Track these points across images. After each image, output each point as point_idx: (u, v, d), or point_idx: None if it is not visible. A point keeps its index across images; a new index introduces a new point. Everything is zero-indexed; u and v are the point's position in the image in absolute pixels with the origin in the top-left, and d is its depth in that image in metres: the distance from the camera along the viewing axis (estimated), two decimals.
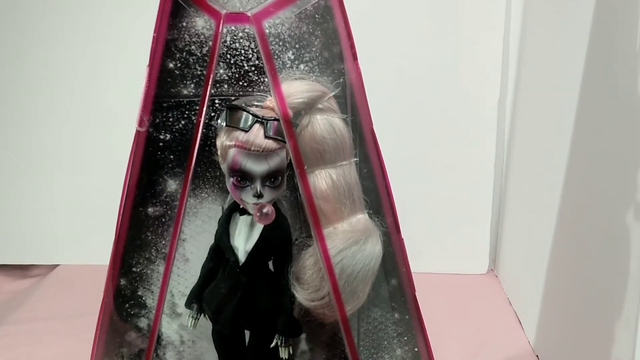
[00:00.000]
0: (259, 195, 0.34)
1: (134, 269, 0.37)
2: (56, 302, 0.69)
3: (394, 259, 0.37)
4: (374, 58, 0.73)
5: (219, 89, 0.35)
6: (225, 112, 0.34)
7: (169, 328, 0.38)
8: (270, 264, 0.37)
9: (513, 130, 0.75)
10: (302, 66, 0.35)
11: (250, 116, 0.34)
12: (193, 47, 0.35)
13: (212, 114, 0.35)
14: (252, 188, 0.34)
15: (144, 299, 0.38)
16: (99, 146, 0.73)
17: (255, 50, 0.35)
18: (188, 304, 0.37)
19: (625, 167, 0.42)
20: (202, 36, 0.35)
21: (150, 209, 0.36)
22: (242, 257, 0.35)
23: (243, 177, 0.34)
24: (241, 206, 0.36)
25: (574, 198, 0.52)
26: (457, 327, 0.66)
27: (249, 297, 0.36)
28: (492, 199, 0.77)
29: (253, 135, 0.33)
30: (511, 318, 0.68)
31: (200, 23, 0.35)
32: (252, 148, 0.33)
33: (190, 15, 0.35)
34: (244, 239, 0.36)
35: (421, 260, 0.77)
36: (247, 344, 0.38)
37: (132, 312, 0.38)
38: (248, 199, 0.34)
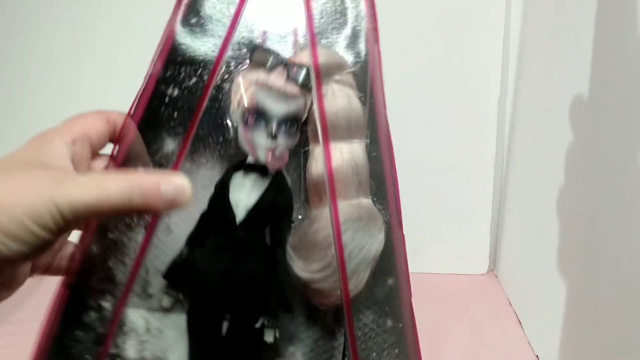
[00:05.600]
0: (274, 136, 0.32)
1: (109, 235, 0.33)
2: None
3: (392, 256, 0.35)
4: None
5: (237, 52, 0.34)
6: (250, 51, 0.33)
7: (135, 312, 0.34)
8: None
9: (513, 130, 0.75)
10: (324, 40, 0.34)
11: (276, 57, 0.32)
12: (215, 10, 0.33)
13: (226, 76, 0.33)
14: (266, 128, 0.32)
15: (114, 271, 0.33)
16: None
17: (277, 21, 0.35)
18: (167, 275, 0.33)
19: (626, 167, 0.41)
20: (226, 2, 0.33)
21: (140, 170, 0.32)
22: (241, 213, 0.33)
23: (259, 117, 0.32)
24: (247, 160, 0.33)
25: (574, 198, 0.52)
26: (457, 328, 0.66)
27: (242, 260, 0.33)
28: (492, 199, 0.78)
29: (275, 75, 0.32)
30: (511, 318, 0.68)
31: None
32: (273, 88, 0.32)
33: None
34: (245, 195, 0.33)
35: (420, 260, 0.78)
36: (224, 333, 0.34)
37: (97, 288, 0.33)
38: (261, 139, 0.32)
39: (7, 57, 0.78)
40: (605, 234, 0.44)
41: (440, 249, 0.78)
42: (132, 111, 0.33)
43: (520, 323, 0.66)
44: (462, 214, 0.77)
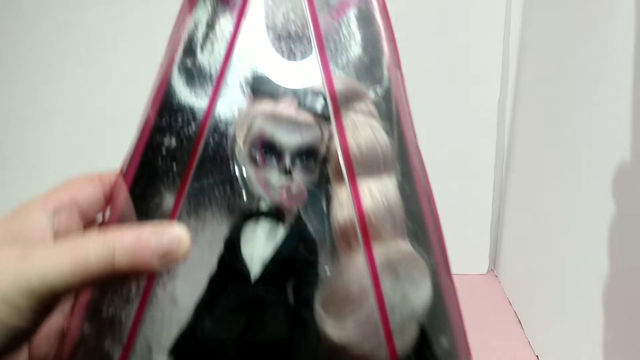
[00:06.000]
0: (288, 173, 0.28)
1: (103, 311, 0.28)
2: None
3: (444, 309, 0.31)
4: None
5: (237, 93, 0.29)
6: (252, 81, 0.29)
7: None
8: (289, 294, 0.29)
9: (513, 131, 0.75)
10: (337, 71, 0.29)
11: (282, 84, 0.28)
12: (212, 45, 0.30)
13: (228, 117, 0.29)
14: (279, 164, 0.28)
15: (112, 355, 0.28)
16: (100, 146, 0.72)
17: (284, 49, 0.30)
18: (174, 350, 0.28)
19: (626, 167, 0.41)
20: (225, 33, 0.30)
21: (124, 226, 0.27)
22: (256, 268, 0.28)
23: (269, 152, 0.28)
24: (259, 207, 0.29)
25: (574, 198, 0.52)
26: None
27: (260, 322, 0.28)
28: (492, 199, 0.77)
29: (284, 104, 0.28)
30: (511, 318, 0.67)
31: (223, 20, 0.30)
32: (283, 117, 0.28)
33: (214, 13, 0.30)
34: (260, 247, 0.28)
35: None
36: None
37: None
38: (274, 177, 0.28)
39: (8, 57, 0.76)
40: (606, 234, 0.44)
41: None
42: (125, 166, 0.28)
43: (520, 323, 0.66)
44: (462, 214, 0.77)
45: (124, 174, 0.28)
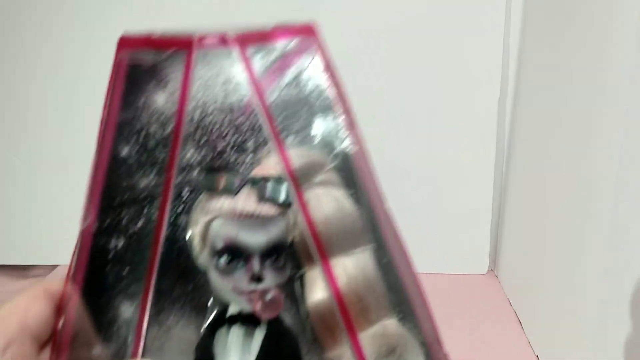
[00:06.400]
0: (258, 278, 0.25)
1: None
2: None
3: None
4: (373, 57, 0.70)
5: (187, 176, 0.26)
6: (204, 177, 0.26)
7: None
8: None
9: (513, 130, 0.75)
10: (290, 138, 0.26)
11: (237, 177, 0.26)
12: (153, 127, 0.27)
13: (180, 208, 0.26)
14: (247, 270, 0.25)
15: None
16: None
17: (232, 125, 0.28)
18: None
19: (626, 167, 0.42)
20: (164, 114, 0.27)
21: (95, 351, 0.26)
22: None
23: (234, 256, 0.25)
24: (229, 314, 0.27)
25: (574, 198, 0.52)
26: (457, 328, 0.67)
27: None
28: (492, 199, 0.77)
29: (243, 198, 0.25)
30: (511, 318, 0.68)
31: (162, 99, 0.27)
32: (244, 214, 0.25)
33: (149, 91, 0.27)
34: (236, 357, 0.26)
35: (420, 260, 0.76)
36: None
37: None
38: (242, 285, 0.25)
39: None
40: (606, 233, 0.44)
41: (440, 249, 0.78)
42: (72, 271, 0.26)
43: (520, 323, 0.66)
44: (462, 214, 0.77)
45: (72, 279, 0.26)
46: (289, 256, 0.27)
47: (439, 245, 0.78)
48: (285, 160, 0.26)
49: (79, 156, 0.75)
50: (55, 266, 0.80)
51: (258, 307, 0.25)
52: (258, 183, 0.26)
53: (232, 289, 0.25)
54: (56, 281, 0.27)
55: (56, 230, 0.77)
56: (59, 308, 0.26)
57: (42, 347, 0.26)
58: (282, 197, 0.26)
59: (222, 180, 0.26)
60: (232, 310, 0.26)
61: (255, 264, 0.25)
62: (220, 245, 0.25)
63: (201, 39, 0.25)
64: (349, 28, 0.71)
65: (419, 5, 0.72)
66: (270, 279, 0.26)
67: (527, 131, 0.70)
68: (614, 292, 0.43)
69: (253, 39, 0.26)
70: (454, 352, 0.63)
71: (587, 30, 0.50)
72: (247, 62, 0.26)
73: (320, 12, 0.73)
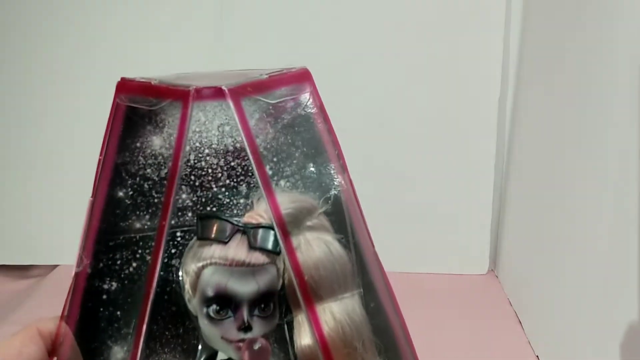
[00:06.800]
0: (247, 328, 0.25)
1: None
2: (56, 302, 0.72)
3: None
4: (373, 57, 0.69)
5: (182, 219, 0.27)
6: (196, 223, 0.26)
7: None
8: None
9: (513, 130, 0.75)
10: (282, 182, 0.27)
11: (229, 224, 0.26)
12: (149, 170, 0.28)
13: (173, 250, 0.27)
14: (236, 319, 0.25)
15: None
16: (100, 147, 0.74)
17: (225, 169, 0.28)
18: None
19: (626, 167, 0.41)
20: (160, 157, 0.27)
21: None
22: None
23: (224, 305, 0.25)
24: (217, 358, 0.27)
25: (575, 198, 0.52)
26: (457, 328, 0.68)
27: None
28: (493, 199, 0.78)
29: (234, 247, 0.26)
30: (511, 319, 0.68)
31: (158, 142, 0.27)
32: (235, 263, 0.25)
33: (146, 134, 0.28)
34: None
35: (421, 260, 0.78)
36: None
37: None
38: (231, 334, 0.26)
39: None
40: (606, 234, 0.44)
41: (441, 249, 0.78)
42: (66, 311, 0.27)
43: (520, 323, 0.66)
44: (462, 214, 0.77)
45: (66, 321, 0.27)
46: (278, 301, 0.27)
47: (439, 246, 0.77)
48: (274, 207, 0.26)
49: (79, 157, 0.75)
50: (55, 266, 0.80)
51: (246, 357, 0.25)
52: (249, 231, 0.26)
53: (220, 337, 0.26)
54: (50, 321, 0.27)
55: (56, 230, 0.77)
56: (52, 349, 0.27)
57: None
58: (271, 244, 0.26)
59: (215, 228, 0.26)
60: (221, 356, 0.27)
61: (244, 313, 0.26)
62: (210, 293, 0.26)
63: (198, 90, 0.26)
64: (348, 25, 0.70)
65: (419, 5, 0.72)
66: (259, 328, 0.26)
67: (527, 131, 0.70)
68: (614, 292, 0.43)
69: (248, 90, 0.26)
70: (454, 352, 0.65)
71: (587, 30, 0.49)
72: (240, 110, 0.26)
73: (319, 13, 0.71)
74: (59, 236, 0.77)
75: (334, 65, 0.69)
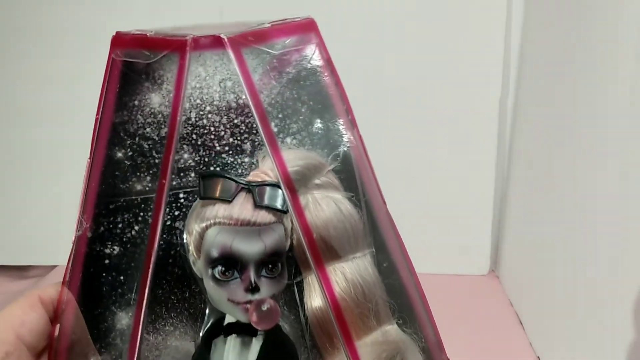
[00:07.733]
0: (254, 289, 0.24)
1: None
2: None
3: None
4: (373, 57, 0.72)
5: (184, 179, 0.26)
6: (199, 182, 0.25)
7: None
8: None
9: (514, 130, 0.74)
10: (288, 139, 0.26)
11: (233, 182, 0.25)
12: (148, 129, 0.27)
13: (176, 213, 0.26)
14: (242, 280, 0.24)
15: None
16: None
17: (228, 126, 0.27)
18: None
19: (627, 167, 0.41)
20: (160, 115, 0.26)
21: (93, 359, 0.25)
22: None
23: (229, 266, 0.24)
24: (225, 322, 0.26)
25: (575, 198, 0.52)
26: (458, 329, 0.66)
27: None
28: (493, 199, 0.77)
29: (239, 206, 0.25)
30: (512, 319, 0.67)
31: (157, 100, 0.26)
32: (240, 222, 0.24)
33: (144, 91, 0.27)
34: None
35: (421, 260, 0.76)
36: None
37: None
38: (238, 296, 0.24)
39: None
40: (606, 234, 0.44)
41: (442, 249, 0.77)
42: (67, 276, 0.25)
43: (521, 324, 0.65)
44: (463, 214, 0.76)
45: (68, 286, 0.26)
46: (287, 262, 0.26)
47: (440, 246, 0.76)
48: (280, 165, 0.25)
49: (79, 157, 0.74)
50: (54, 266, 0.79)
51: (254, 318, 0.24)
52: (254, 189, 0.25)
53: (227, 299, 0.25)
54: (51, 287, 0.26)
55: (55, 231, 0.77)
56: (55, 316, 0.26)
57: (38, 356, 0.26)
58: (279, 203, 0.25)
59: (218, 187, 0.25)
60: (229, 319, 0.26)
61: (251, 273, 0.24)
62: (215, 254, 0.24)
63: (195, 40, 0.25)
64: (348, 27, 0.71)
65: (419, 5, 0.72)
66: (267, 289, 0.25)
67: (529, 131, 0.69)
68: (614, 293, 0.43)
69: (249, 39, 0.25)
70: (455, 353, 0.63)
71: (588, 29, 0.50)
72: (242, 63, 0.25)
73: (319, 12, 0.72)
74: (57, 237, 0.76)
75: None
